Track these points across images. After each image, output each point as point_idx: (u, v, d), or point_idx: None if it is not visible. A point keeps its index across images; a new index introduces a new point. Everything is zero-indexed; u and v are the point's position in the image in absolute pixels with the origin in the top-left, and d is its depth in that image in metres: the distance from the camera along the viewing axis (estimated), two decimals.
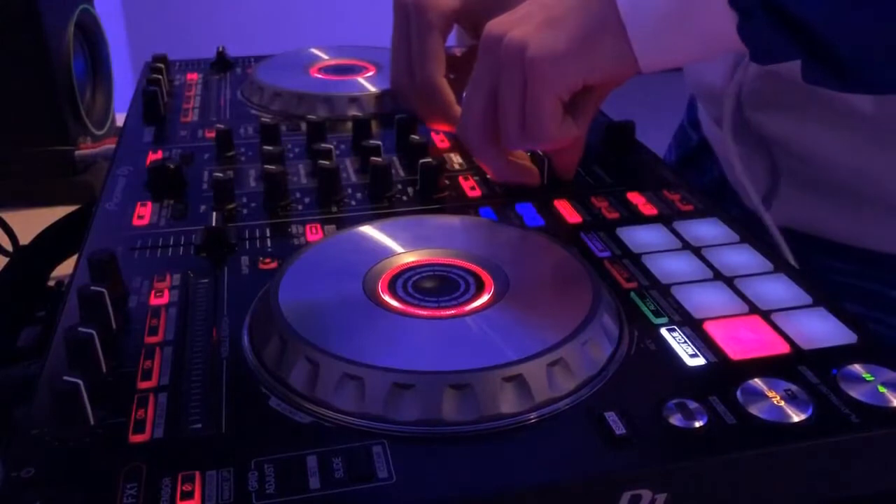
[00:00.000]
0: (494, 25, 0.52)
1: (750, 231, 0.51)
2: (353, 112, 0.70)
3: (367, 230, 0.49)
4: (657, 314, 0.42)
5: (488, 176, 0.58)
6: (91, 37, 0.96)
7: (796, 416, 0.35)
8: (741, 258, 0.47)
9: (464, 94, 0.56)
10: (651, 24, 0.47)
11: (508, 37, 0.51)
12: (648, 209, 0.54)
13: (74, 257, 0.50)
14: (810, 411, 0.35)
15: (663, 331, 0.41)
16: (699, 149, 0.81)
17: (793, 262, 0.63)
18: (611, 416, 0.35)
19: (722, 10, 0.45)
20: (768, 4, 0.43)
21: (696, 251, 0.48)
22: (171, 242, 0.50)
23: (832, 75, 0.45)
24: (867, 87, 0.48)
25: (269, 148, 0.60)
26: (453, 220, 0.52)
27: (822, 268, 0.68)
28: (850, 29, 0.43)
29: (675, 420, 0.35)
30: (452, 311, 0.41)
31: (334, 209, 0.55)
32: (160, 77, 0.75)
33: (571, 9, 0.50)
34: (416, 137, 0.62)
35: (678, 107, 0.88)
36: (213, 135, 0.65)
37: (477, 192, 0.57)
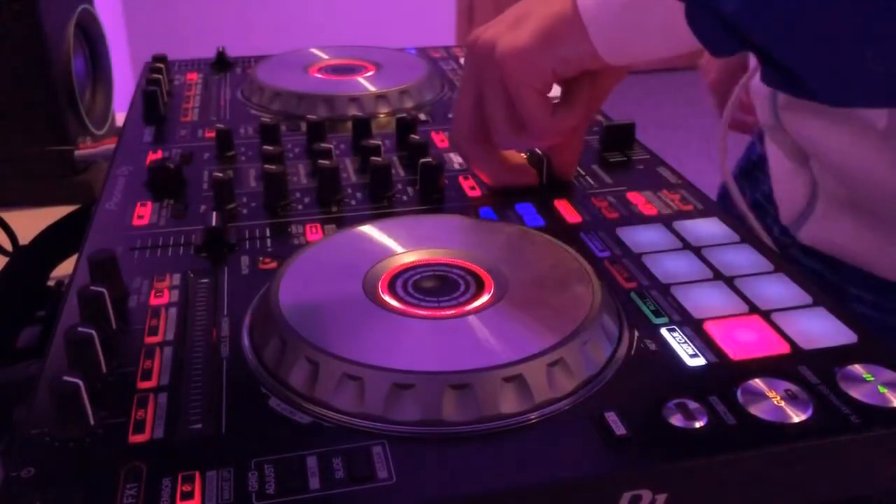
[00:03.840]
0: (474, 31, 0.54)
1: (783, 251, 0.49)
2: (353, 112, 0.70)
3: (367, 230, 0.49)
4: (657, 314, 0.42)
5: (486, 182, 0.58)
6: (91, 36, 0.96)
7: (796, 416, 0.35)
8: (741, 258, 0.47)
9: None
10: (609, 19, 0.48)
11: (481, 39, 0.53)
12: (648, 209, 0.54)
13: (74, 257, 0.50)
14: (810, 411, 0.35)
15: (663, 331, 0.41)
16: (759, 161, 0.80)
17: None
18: (611, 417, 0.35)
19: (673, 4, 0.44)
20: None
21: (696, 251, 0.48)
22: (171, 242, 0.50)
23: (783, 78, 0.42)
24: (822, 93, 0.42)
25: (269, 148, 0.60)
26: (453, 220, 0.52)
27: (845, 295, 0.67)
28: (768, 17, 0.40)
29: (676, 420, 0.35)
30: (452, 311, 0.41)
31: (334, 209, 0.55)
32: (160, 77, 0.75)
33: (536, 6, 0.51)
34: (416, 137, 0.62)
35: (679, 107, 0.88)
36: (213, 135, 0.65)
37: (477, 192, 0.57)
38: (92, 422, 0.35)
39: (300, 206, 0.55)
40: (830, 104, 0.45)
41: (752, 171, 0.81)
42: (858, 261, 0.66)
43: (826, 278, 0.66)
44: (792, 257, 0.68)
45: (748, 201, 0.77)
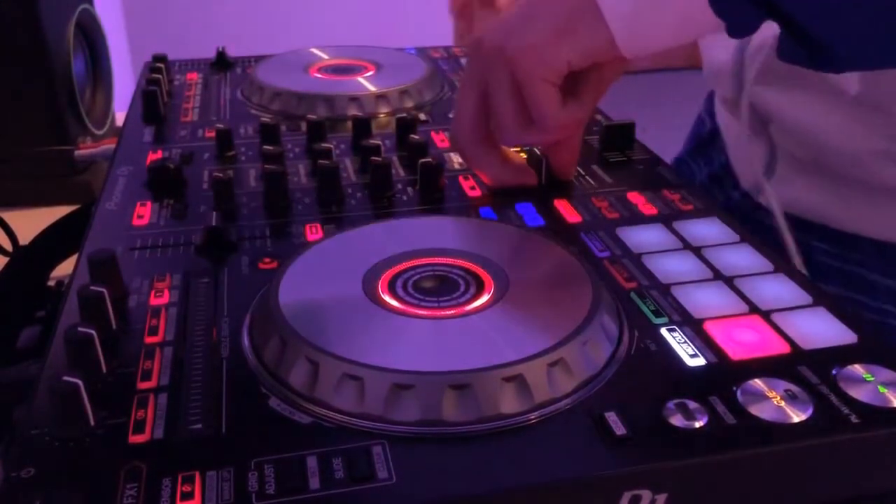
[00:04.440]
0: (477, 30, 0.53)
1: (744, 216, 0.51)
2: (353, 112, 0.70)
3: (368, 230, 0.49)
4: (657, 314, 0.42)
5: (486, 183, 0.58)
6: (91, 36, 0.96)
7: (796, 416, 0.35)
8: (741, 258, 0.47)
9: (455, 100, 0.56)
10: (626, 7, 0.48)
11: (489, 36, 0.52)
12: (648, 209, 0.54)
13: (74, 257, 0.50)
14: (810, 411, 0.35)
15: (663, 331, 0.41)
16: (710, 136, 0.83)
17: (789, 237, 0.65)
18: (611, 416, 0.35)
19: None
20: None
21: (696, 251, 0.48)
22: (171, 242, 0.50)
23: (802, 50, 0.46)
24: (837, 63, 0.48)
25: (269, 148, 0.60)
26: (453, 220, 0.52)
27: (807, 249, 0.69)
28: None
29: (676, 420, 0.35)
30: (452, 311, 0.41)
31: (334, 209, 0.55)
32: (160, 77, 0.75)
33: (543, 3, 0.51)
34: (416, 137, 0.62)
35: (680, 107, 0.89)
36: (213, 134, 0.65)
37: (477, 192, 0.57)
38: (92, 422, 0.35)
39: (300, 206, 0.55)
40: (841, 70, 0.48)
41: (704, 146, 0.84)
42: (819, 217, 0.69)
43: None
44: (756, 220, 0.69)
45: (706, 176, 0.82)
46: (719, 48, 0.71)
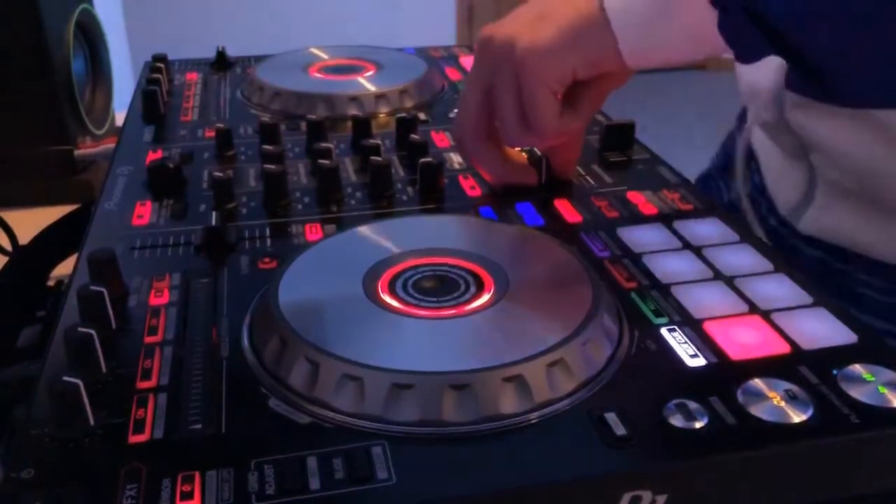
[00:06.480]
0: (487, 28, 0.54)
1: (779, 241, 0.50)
2: (353, 111, 0.70)
3: (367, 230, 0.49)
4: (657, 314, 0.42)
5: (486, 180, 0.58)
6: (91, 36, 0.96)
7: (796, 417, 0.35)
8: (741, 258, 0.47)
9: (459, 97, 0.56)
10: (635, 20, 0.48)
11: (499, 36, 0.52)
12: (648, 209, 0.54)
13: (74, 257, 0.50)
14: (810, 412, 0.35)
15: (663, 331, 0.41)
16: (744, 157, 0.80)
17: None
18: (611, 417, 0.35)
19: (703, 7, 0.45)
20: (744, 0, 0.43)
21: (697, 251, 0.48)
22: (171, 242, 0.50)
23: (811, 81, 0.45)
24: (846, 96, 0.47)
25: (269, 147, 0.60)
26: (453, 220, 0.52)
27: (850, 280, 0.67)
28: (816, 25, 0.43)
29: (676, 420, 0.35)
30: (452, 311, 0.40)
31: (334, 208, 0.55)
32: (160, 76, 0.75)
33: (559, 5, 0.51)
34: (416, 137, 0.62)
35: (680, 107, 0.89)
36: (212, 134, 0.65)
37: (477, 192, 0.57)
38: (92, 422, 0.35)
39: (300, 206, 0.55)
40: (848, 105, 0.47)
41: (733, 166, 0.81)
42: (862, 247, 0.66)
43: (831, 266, 0.66)
44: (793, 247, 0.68)
45: (734, 196, 0.79)
46: (756, 70, 0.70)
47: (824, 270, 0.65)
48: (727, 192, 0.81)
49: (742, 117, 0.83)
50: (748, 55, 0.47)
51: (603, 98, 0.56)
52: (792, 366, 0.38)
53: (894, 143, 0.60)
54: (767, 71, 0.67)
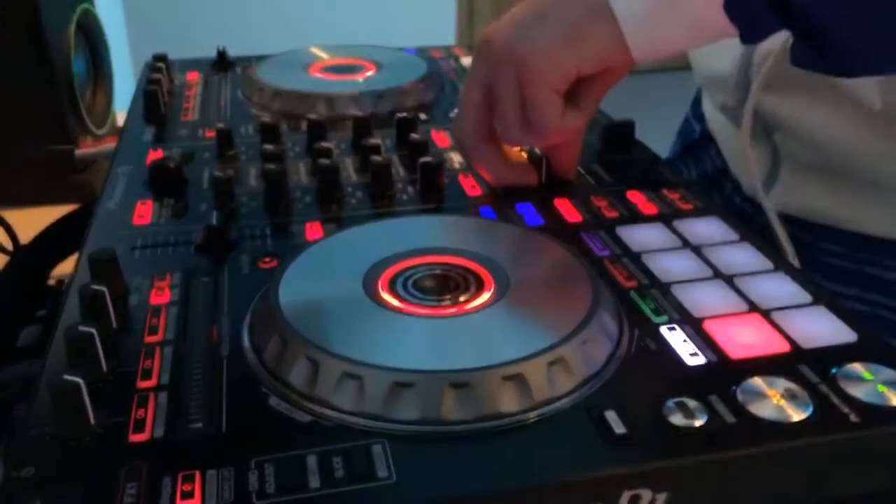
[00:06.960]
0: (487, 28, 0.54)
1: (746, 218, 0.51)
2: (353, 111, 0.70)
3: (367, 229, 0.49)
4: (657, 313, 0.42)
5: (486, 181, 0.58)
6: (91, 36, 0.96)
7: (796, 415, 0.35)
8: (741, 257, 0.47)
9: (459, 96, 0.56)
10: (640, 12, 0.48)
11: (499, 36, 0.52)
12: (648, 208, 0.54)
13: (75, 256, 0.50)
14: (810, 410, 0.35)
15: (663, 330, 0.41)
16: (701, 140, 0.82)
17: (788, 245, 0.65)
18: (611, 416, 0.35)
19: None
20: None
21: (696, 250, 0.48)
22: (172, 241, 0.50)
23: (817, 54, 0.46)
24: (850, 68, 0.48)
25: (270, 147, 0.60)
26: (453, 220, 0.52)
27: (817, 251, 0.69)
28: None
29: (675, 419, 0.35)
30: (452, 310, 0.41)
31: (334, 208, 0.55)
32: (160, 76, 0.75)
33: (559, 3, 0.51)
34: (416, 136, 0.62)
35: (679, 107, 0.89)
36: (213, 134, 0.65)
37: (477, 192, 0.57)
38: (92, 421, 0.35)
39: (300, 206, 0.55)
40: (856, 75, 0.49)
41: (696, 149, 0.83)
42: (829, 219, 0.68)
43: (799, 238, 0.68)
44: (760, 223, 0.69)
45: (695, 176, 0.82)
46: (716, 57, 0.71)
47: (793, 243, 0.67)
48: (687, 174, 0.83)
49: (696, 103, 0.85)
50: (754, 34, 0.47)
51: (604, 93, 0.55)
52: (791, 364, 0.38)
53: (865, 119, 0.61)
54: (728, 58, 0.68)
